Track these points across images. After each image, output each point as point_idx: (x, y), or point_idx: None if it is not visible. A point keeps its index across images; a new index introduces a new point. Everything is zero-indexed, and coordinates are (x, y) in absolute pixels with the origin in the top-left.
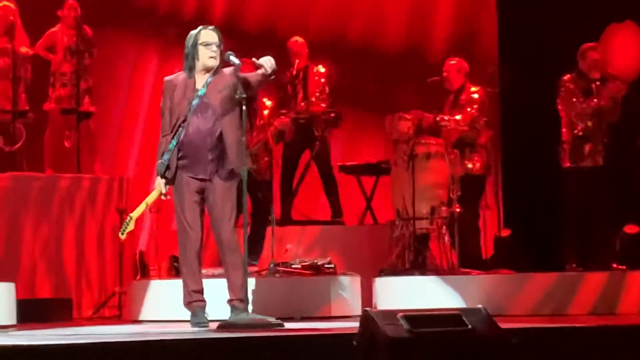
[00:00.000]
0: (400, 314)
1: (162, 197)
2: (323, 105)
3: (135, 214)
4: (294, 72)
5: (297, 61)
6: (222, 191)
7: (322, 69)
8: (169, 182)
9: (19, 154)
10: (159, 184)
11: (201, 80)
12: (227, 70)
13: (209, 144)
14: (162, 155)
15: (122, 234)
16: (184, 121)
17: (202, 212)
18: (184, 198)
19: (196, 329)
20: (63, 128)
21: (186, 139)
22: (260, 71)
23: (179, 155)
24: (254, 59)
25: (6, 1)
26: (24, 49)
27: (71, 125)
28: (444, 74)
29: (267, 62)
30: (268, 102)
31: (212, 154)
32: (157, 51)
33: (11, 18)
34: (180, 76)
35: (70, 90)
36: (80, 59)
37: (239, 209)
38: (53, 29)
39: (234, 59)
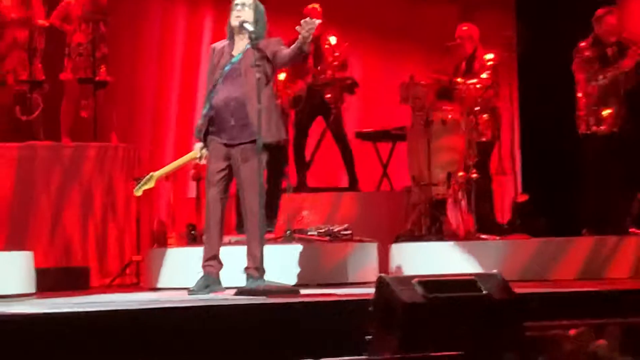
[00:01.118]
0: (415, 279)
1: (198, 162)
2: (338, 72)
3: (158, 173)
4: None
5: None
6: (245, 158)
7: (335, 38)
8: (204, 146)
9: (35, 123)
10: (195, 148)
11: (240, 46)
12: (268, 39)
13: (233, 110)
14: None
15: (138, 190)
16: (214, 86)
17: (228, 178)
18: (211, 161)
19: (214, 295)
20: (79, 98)
21: (215, 104)
22: (297, 44)
23: (210, 119)
24: (244, 25)
25: None
26: (40, 21)
27: (87, 95)
28: (457, 40)
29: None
30: (281, 73)
31: (236, 120)
32: (184, 13)
33: None
34: (224, 42)
35: (86, 60)
36: (95, 28)
37: (273, 175)
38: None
39: (247, 26)
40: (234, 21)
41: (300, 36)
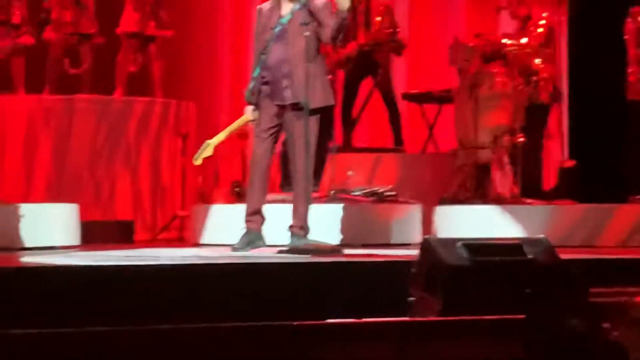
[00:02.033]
0: (460, 242)
1: (250, 124)
2: (386, 32)
3: (215, 140)
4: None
5: None
6: (296, 118)
7: None
8: (257, 108)
9: (84, 76)
10: (247, 111)
11: (287, 7)
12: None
13: (285, 71)
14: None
15: (197, 159)
16: (265, 47)
17: (276, 137)
18: (262, 120)
19: (257, 252)
20: (132, 52)
21: (266, 65)
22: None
23: (262, 80)
24: None
25: None
26: None
27: (137, 49)
28: (509, 3)
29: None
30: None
31: (287, 82)
32: None
33: None
34: (270, 4)
35: (139, 15)
36: None
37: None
38: None
39: None
40: None
41: (337, 10)
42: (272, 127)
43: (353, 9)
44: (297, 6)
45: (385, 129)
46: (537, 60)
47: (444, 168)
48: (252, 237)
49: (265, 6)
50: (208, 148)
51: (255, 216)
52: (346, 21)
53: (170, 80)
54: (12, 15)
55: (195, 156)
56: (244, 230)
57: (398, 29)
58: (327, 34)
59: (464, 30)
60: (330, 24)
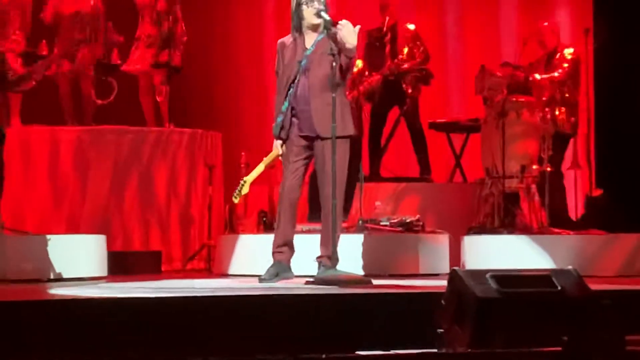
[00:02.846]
0: (489, 273)
1: (280, 159)
2: (413, 62)
3: (250, 177)
4: (384, 30)
5: (387, 18)
6: (325, 149)
7: (411, 26)
8: (285, 142)
9: (109, 107)
10: (276, 146)
11: (310, 39)
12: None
13: (312, 102)
14: (277, 117)
15: (236, 197)
16: (293, 81)
17: (305, 169)
18: (291, 152)
19: (285, 284)
20: (154, 83)
21: (295, 97)
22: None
23: (291, 114)
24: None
25: None
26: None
27: (162, 80)
28: (538, 35)
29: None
30: (358, 61)
31: (314, 112)
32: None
33: None
34: (291, 37)
35: (160, 48)
36: (166, 19)
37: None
38: None
39: (324, 15)
40: (311, 18)
41: (339, 39)
42: (301, 159)
43: (380, 38)
44: (320, 36)
45: (412, 158)
46: (563, 92)
47: (471, 197)
48: (280, 269)
49: (288, 40)
50: (245, 185)
51: (284, 247)
52: (354, 58)
53: (197, 110)
54: (40, 46)
55: (234, 194)
56: (272, 262)
57: (424, 59)
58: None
59: (491, 58)
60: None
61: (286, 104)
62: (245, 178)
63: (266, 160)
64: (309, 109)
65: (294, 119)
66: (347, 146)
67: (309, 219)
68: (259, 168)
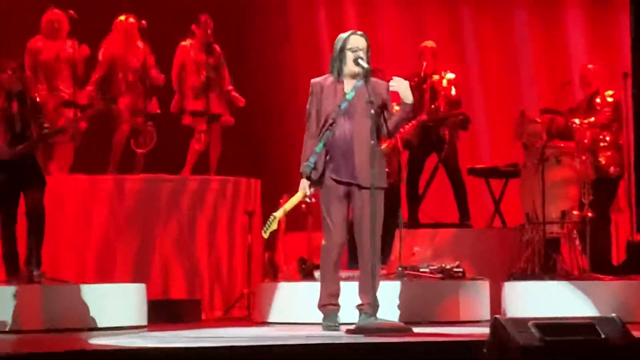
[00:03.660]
0: (532, 321)
1: (307, 200)
2: (451, 108)
3: (279, 213)
4: (422, 76)
5: (424, 64)
6: (367, 195)
7: (451, 75)
8: (314, 184)
9: (149, 156)
10: (304, 186)
11: (349, 84)
12: (376, 81)
13: (354, 149)
14: (308, 158)
15: (265, 232)
16: (331, 124)
17: (346, 215)
18: (329, 200)
19: (326, 332)
20: (194, 130)
21: (333, 142)
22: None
23: (326, 158)
24: (359, 62)
25: (130, 16)
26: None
27: (201, 128)
28: (580, 77)
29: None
30: (397, 107)
31: (357, 159)
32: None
33: (137, 28)
34: (328, 79)
35: (201, 97)
36: (209, 71)
37: (386, 212)
38: (184, 43)
39: (362, 63)
40: (352, 65)
41: (402, 102)
42: (342, 210)
43: (418, 84)
44: (359, 83)
45: (451, 204)
46: (604, 136)
47: (511, 243)
48: (326, 320)
49: (324, 81)
50: (274, 221)
51: (333, 298)
52: (410, 114)
53: (236, 157)
54: (78, 96)
55: (263, 229)
56: (323, 314)
57: (460, 105)
58: (389, 126)
59: (530, 104)
60: (391, 111)
61: (321, 145)
62: (274, 214)
63: (293, 199)
64: (351, 156)
65: (330, 163)
66: (382, 197)
67: (348, 265)
68: (287, 205)
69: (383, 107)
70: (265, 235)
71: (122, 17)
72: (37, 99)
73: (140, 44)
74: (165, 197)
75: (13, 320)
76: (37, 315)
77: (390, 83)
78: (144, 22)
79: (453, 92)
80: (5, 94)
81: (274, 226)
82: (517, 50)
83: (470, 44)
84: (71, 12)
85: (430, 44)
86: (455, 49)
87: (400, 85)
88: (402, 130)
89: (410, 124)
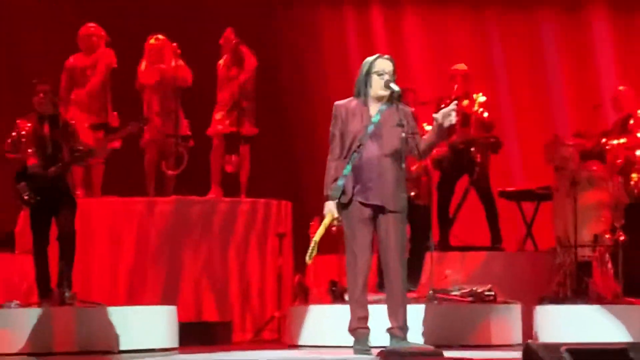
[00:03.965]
0: (564, 347)
1: (335, 223)
2: (483, 131)
3: (318, 237)
4: (453, 98)
5: (455, 86)
6: (394, 218)
7: (482, 97)
8: (343, 206)
9: (180, 177)
10: (331, 209)
11: (374, 107)
12: (403, 107)
13: (381, 171)
14: (335, 180)
15: (309, 258)
16: (359, 146)
17: (372, 238)
18: (355, 224)
19: (357, 356)
20: (225, 152)
21: (360, 164)
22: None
23: (353, 180)
24: (390, 86)
25: (160, 35)
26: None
27: (232, 150)
28: (612, 100)
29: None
30: (428, 127)
31: (384, 181)
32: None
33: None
34: (352, 102)
35: (231, 114)
36: (237, 85)
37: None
38: (220, 62)
39: (393, 86)
40: (379, 88)
41: (436, 125)
42: (369, 232)
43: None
44: (384, 106)
45: (482, 226)
46: (638, 157)
47: (543, 266)
48: (357, 344)
49: (348, 104)
50: (315, 246)
51: (363, 321)
52: (445, 138)
53: (267, 179)
54: (111, 118)
55: (307, 255)
56: (354, 338)
57: (492, 127)
58: (420, 148)
59: (561, 126)
60: (419, 133)
61: (349, 167)
62: (314, 238)
63: (325, 221)
64: (378, 179)
65: (356, 186)
66: (406, 215)
67: (378, 288)
68: (321, 230)
69: (412, 131)
70: (309, 261)
71: (153, 40)
72: (70, 122)
73: (172, 63)
74: (195, 219)
75: (46, 342)
76: (69, 337)
77: (435, 116)
78: (175, 44)
79: (485, 114)
80: (37, 116)
81: (316, 251)
82: (548, 72)
83: (500, 66)
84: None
85: (461, 67)
86: (485, 72)
87: (446, 120)
88: (435, 152)
89: (442, 146)
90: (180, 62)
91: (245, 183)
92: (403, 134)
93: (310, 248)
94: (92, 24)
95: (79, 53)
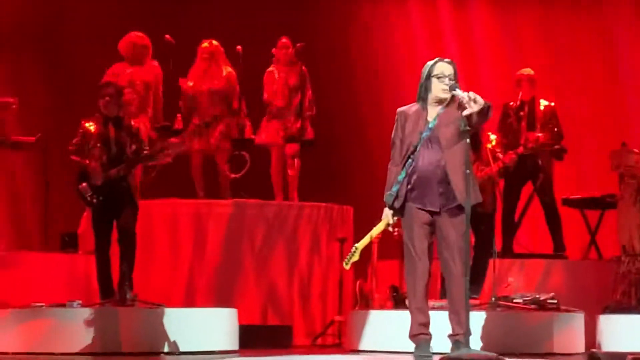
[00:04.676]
0: (631, 356)
1: (389, 229)
2: (548, 137)
3: (361, 244)
4: (519, 103)
5: (520, 92)
6: (452, 224)
7: (547, 102)
8: (397, 213)
9: (241, 181)
10: (387, 215)
11: (433, 112)
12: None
13: (438, 177)
14: (391, 186)
15: (347, 264)
16: (413, 152)
17: (430, 244)
18: (413, 229)
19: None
20: (286, 156)
21: (416, 170)
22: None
23: (408, 186)
24: (454, 92)
25: (214, 40)
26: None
27: (293, 153)
28: None
29: (473, 101)
30: (493, 136)
31: (441, 187)
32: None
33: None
34: (413, 107)
35: (294, 120)
36: (296, 94)
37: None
38: (269, 69)
39: (458, 92)
40: (439, 92)
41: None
42: (427, 238)
43: (516, 111)
44: (442, 109)
45: (546, 234)
46: None
47: (607, 275)
48: (418, 350)
49: (409, 109)
50: (356, 253)
51: (423, 327)
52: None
53: (329, 184)
54: (175, 121)
55: (345, 260)
56: (414, 344)
57: (558, 135)
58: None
59: (630, 135)
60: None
61: (403, 173)
62: (356, 245)
63: (374, 229)
64: (434, 184)
65: (413, 192)
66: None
67: (441, 295)
68: (367, 237)
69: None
70: (347, 267)
71: (206, 44)
72: (134, 124)
73: (226, 70)
74: (257, 222)
75: (106, 342)
76: (129, 337)
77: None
78: (239, 47)
79: (550, 120)
80: (102, 118)
81: (356, 257)
82: (618, 78)
83: (568, 70)
84: (167, 36)
85: (527, 71)
86: (555, 77)
87: (475, 105)
88: (500, 161)
89: (509, 153)
90: (230, 69)
91: (295, 187)
92: (467, 140)
93: (351, 253)
94: (139, 33)
95: (122, 62)
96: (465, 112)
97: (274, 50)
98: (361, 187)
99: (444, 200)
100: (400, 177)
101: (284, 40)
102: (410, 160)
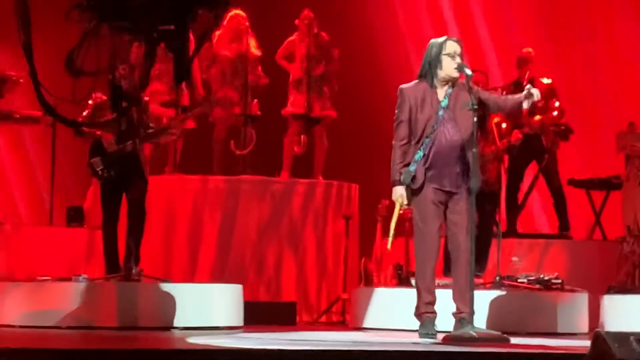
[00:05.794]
0: (634, 336)
1: (402, 207)
2: (552, 117)
3: (393, 224)
4: (524, 83)
5: (527, 72)
6: (467, 203)
7: (547, 80)
8: (413, 192)
9: (248, 158)
10: (402, 195)
11: (441, 91)
12: (464, 82)
13: (456, 156)
14: (404, 165)
15: (389, 244)
16: (431, 132)
17: (442, 223)
18: (426, 209)
19: (423, 339)
20: (297, 133)
21: (434, 150)
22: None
23: (426, 165)
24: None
25: (237, 10)
26: (254, 50)
27: (301, 131)
28: None
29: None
30: (496, 118)
31: (459, 166)
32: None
33: (246, 24)
34: (419, 85)
35: (305, 96)
36: (316, 66)
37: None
38: (291, 38)
39: (467, 71)
40: (451, 71)
41: (521, 100)
42: (440, 217)
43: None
44: (450, 89)
45: (550, 214)
46: None
47: (611, 256)
48: (423, 328)
49: (415, 87)
50: (393, 233)
51: (429, 306)
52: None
53: (334, 161)
54: (181, 96)
55: (389, 243)
56: (419, 322)
57: (560, 114)
58: (504, 104)
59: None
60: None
61: (420, 153)
62: (391, 226)
63: (397, 209)
64: (455, 164)
65: (429, 171)
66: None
67: (444, 273)
68: (395, 216)
69: (487, 104)
70: (389, 247)
71: (232, 13)
72: (144, 99)
73: (251, 42)
74: (263, 199)
75: (112, 316)
76: (134, 312)
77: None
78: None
79: (552, 99)
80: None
81: (392, 236)
82: (624, 57)
83: (578, 51)
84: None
85: (529, 50)
86: (559, 56)
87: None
88: (505, 140)
89: (515, 132)
90: (253, 40)
91: (320, 166)
92: (475, 119)
93: (390, 236)
94: None
95: None
96: (525, 105)
97: (297, 21)
98: (367, 165)
99: (461, 179)
100: (417, 157)
101: (306, 12)
102: (427, 140)
